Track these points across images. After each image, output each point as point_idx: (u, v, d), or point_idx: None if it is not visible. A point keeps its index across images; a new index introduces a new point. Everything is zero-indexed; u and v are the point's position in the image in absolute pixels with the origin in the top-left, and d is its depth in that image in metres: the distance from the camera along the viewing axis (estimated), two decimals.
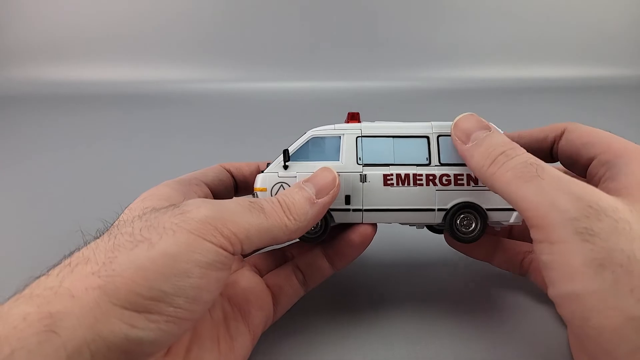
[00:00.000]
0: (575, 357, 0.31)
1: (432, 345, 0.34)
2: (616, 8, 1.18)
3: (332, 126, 0.34)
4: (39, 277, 0.22)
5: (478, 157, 0.28)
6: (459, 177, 0.33)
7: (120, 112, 1.00)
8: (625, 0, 1.18)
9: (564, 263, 0.23)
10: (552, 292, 0.25)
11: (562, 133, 0.33)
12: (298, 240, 0.36)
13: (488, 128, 0.30)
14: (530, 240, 0.37)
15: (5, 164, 0.73)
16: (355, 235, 0.33)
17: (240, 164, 0.38)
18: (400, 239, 0.47)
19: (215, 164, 0.38)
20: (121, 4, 1.15)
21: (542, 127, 0.34)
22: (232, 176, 0.38)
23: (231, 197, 0.38)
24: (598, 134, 0.31)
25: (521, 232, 0.39)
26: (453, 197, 0.33)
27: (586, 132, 0.31)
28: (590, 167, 0.30)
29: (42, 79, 1.14)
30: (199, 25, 1.16)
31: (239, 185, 0.38)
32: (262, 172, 0.34)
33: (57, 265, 0.23)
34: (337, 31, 1.16)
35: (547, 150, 0.34)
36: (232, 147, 0.79)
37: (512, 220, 0.33)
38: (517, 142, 0.28)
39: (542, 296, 0.38)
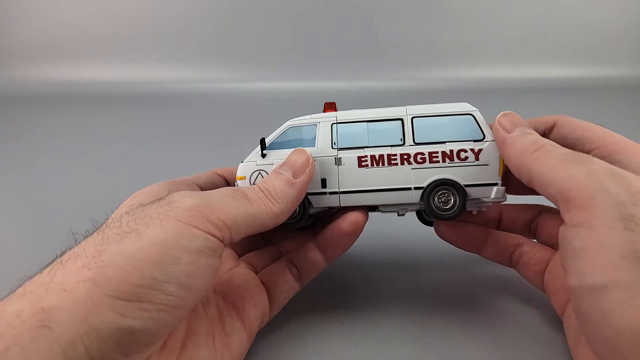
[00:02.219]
0: (574, 356, 0.30)
1: (431, 344, 0.34)
2: (616, 8, 1.18)
3: (309, 116, 0.35)
4: (32, 277, 0.22)
5: (523, 143, 0.28)
6: (434, 155, 0.33)
7: (120, 112, 1.00)
8: (625, 0, 1.18)
9: (599, 252, 0.22)
10: (576, 282, 0.23)
11: (553, 126, 0.33)
12: (287, 231, 0.36)
13: (531, 128, 0.30)
14: (520, 232, 0.37)
15: (5, 163, 0.73)
16: (346, 223, 0.33)
17: (233, 169, 0.39)
18: (397, 237, 0.47)
19: (210, 168, 0.39)
20: (121, 4, 1.15)
21: (531, 119, 0.34)
22: (226, 180, 0.39)
23: None
24: (591, 129, 0.31)
25: (510, 225, 0.39)
26: (429, 175, 0.33)
27: (579, 126, 0.31)
28: None
29: (42, 79, 1.14)
30: (199, 25, 1.17)
31: None
32: (242, 162, 0.34)
33: (49, 264, 0.23)
34: (337, 32, 1.17)
35: None
36: (231, 147, 0.79)
37: (493, 195, 0.33)
38: None
39: (540, 295, 0.37)
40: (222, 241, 0.25)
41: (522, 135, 0.29)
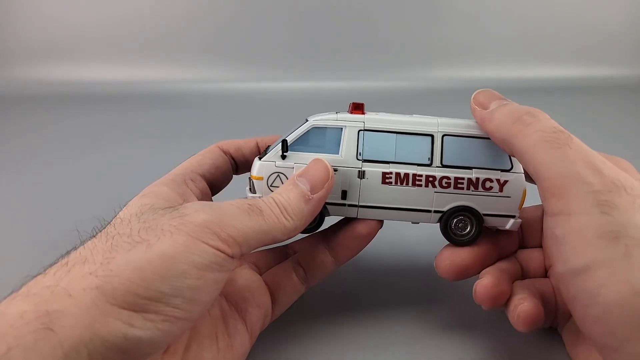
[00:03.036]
0: (572, 355, 0.31)
1: (431, 345, 0.34)
2: (616, 8, 1.18)
3: (334, 115, 0.32)
4: (35, 276, 0.22)
5: (500, 117, 0.28)
6: (459, 181, 0.32)
7: (120, 112, 1.00)
8: (625, 0, 1.18)
9: (579, 236, 0.23)
10: (561, 269, 0.24)
11: None
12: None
13: (506, 99, 0.30)
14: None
15: (5, 163, 0.73)
16: (362, 226, 0.33)
17: (239, 143, 0.38)
18: (401, 240, 0.47)
19: (212, 144, 0.37)
20: (121, 4, 1.15)
21: None
22: (232, 157, 0.37)
23: (229, 180, 0.38)
24: None
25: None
26: (451, 200, 0.32)
27: None
28: None
29: (42, 79, 1.14)
30: (199, 25, 1.16)
31: (239, 166, 0.38)
32: (260, 158, 0.33)
33: (54, 264, 0.23)
34: (337, 31, 1.17)
35: None
36: None
37: (508, 227, 0.33)
38: None
39: None
40: (231, 257, 0.25)
41: (499, 108, 0.29)
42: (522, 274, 0.35)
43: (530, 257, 0.35)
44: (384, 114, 0.33)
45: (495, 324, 0.35)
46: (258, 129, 0.88)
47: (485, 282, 0.30)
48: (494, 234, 0.34)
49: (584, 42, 1.19)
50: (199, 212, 0.25)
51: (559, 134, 0.25)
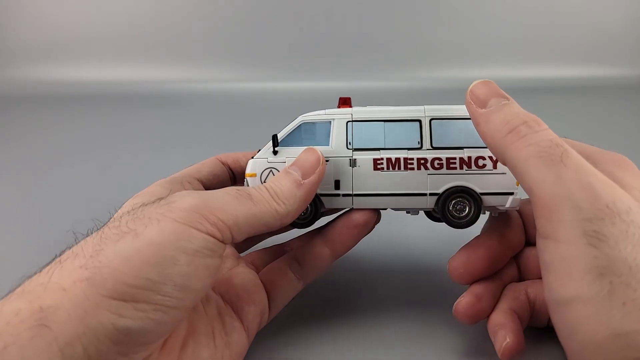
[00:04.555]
0: None
1: (430, 343, 0.34)
2: (616, 8, 1.18)
3: (322, 111, 0.33)
4: (31, 276, 0.22)
5: (495, 122, 0.26)
6: (451, 161, 0.32)
7: (121, 112, 1.00)
8: (625, 0, 1.18)
9: (565, 267, 0.22)
10: (547, 296, 0.24)
11: None
12: (295, 231, 0.35)
13: (507, 97, 0.27)
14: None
15: (5, 163, 0.73)
16: (359, 215, 0.33)
17: (237, 155, 0.38)
18: (400, 239, 0.47)
19: (211, 157, 0.38)
20: (122, 4, 1.15)
21: None
22: (230, 169, 0.38)
23: None
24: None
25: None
26: (445, 181, 0.32)
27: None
28: None
29: (42, 79, 1.14)
30: (200, 25, 1.17)
31: (237, 178, 0.38)
32: (253, 157, 0.34)
33: (48, 264, 0.23)
34: (337, 31, 1.17)
35: None
36: (231, 147, 0.79)
37: (508, 204, 0.32)
38: None
39: None
40: (222, 241, 0.24)
41: (495, 112, 0.26)
42: (522, 273, 0.35)
43: (530, 255, 0.35)
44: (371, 106, 0.34)
45: None
46: (259, 129, 0.88)
47: (463, 303, 0.31)
48: (505, 234, 0.34)
49: (584, 42, 1.19)
50: (185, 197, 0.25)
51: (555, 148, 0.23)
